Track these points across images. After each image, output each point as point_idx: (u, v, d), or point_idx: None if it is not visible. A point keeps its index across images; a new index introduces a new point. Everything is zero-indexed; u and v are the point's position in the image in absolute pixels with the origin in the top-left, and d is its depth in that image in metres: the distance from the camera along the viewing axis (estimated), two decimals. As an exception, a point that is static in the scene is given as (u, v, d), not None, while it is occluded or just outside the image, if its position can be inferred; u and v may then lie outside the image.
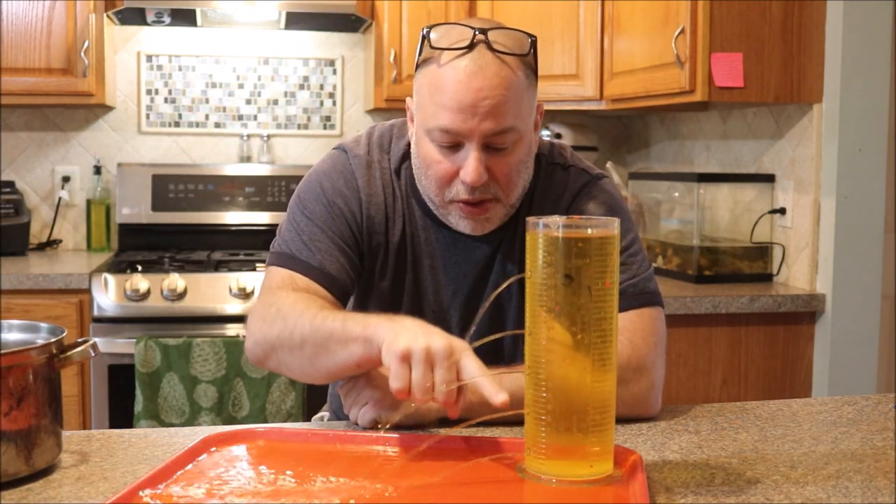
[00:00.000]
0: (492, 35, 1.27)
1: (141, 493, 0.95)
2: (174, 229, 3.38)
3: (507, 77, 1.27)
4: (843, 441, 1.19)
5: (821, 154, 2.58)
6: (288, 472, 1.04)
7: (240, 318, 2.81)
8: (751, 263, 2.80)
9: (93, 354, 1.07)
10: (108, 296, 2.75)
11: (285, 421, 2.70)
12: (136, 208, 3.34)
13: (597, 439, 1.01)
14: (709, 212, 2.88)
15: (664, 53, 2.62)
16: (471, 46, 1.26)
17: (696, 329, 2.55)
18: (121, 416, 2.73)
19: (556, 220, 1.01)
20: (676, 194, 2.99)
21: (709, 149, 3.13)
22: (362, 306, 1.44)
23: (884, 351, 2.64)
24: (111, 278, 2.78)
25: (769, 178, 2.78)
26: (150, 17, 3.25)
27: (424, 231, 1.42)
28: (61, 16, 3.01)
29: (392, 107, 3.17)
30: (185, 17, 3.28)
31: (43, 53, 3.02)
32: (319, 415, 1.65)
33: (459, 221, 1.35)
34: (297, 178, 3.39)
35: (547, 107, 3.15)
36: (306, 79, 3.55)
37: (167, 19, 3.29)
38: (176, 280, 2.78)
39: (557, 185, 1.42)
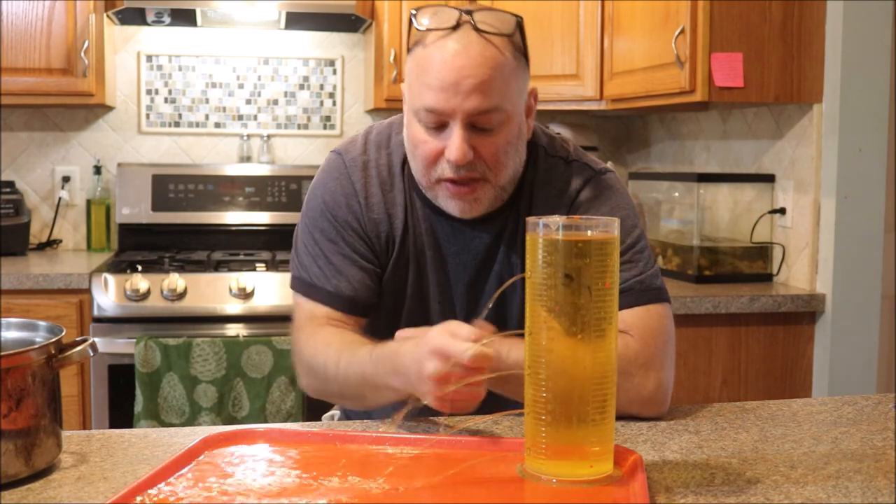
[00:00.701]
0: (477, 16, 1.28)
1: (141, 493, 0.95)
2: (174, 229, 3.38)
3: (493, 56, 1.27)
4: (843, 441, 1.19)
5: (821, 154, 2.58)
6: (288, 473, 1.04)
7: (240, 319, 2.81)
8: (751, 263, 2.80)
9: (92, 354, 1.07)
10: (108, 296, 2.75)
11: (285, 421, 2.70)
12: (136, 208, 3.34)
13: (597, 439, 1.01)
14: (709, 212, 2.87)
15: (664, 53, 2.61)
16: (456, 27, 1.27)
17: (696, 329, 2.55)
18: (121, 417, 2.73)
19: (556, 221, 1.01)
20: (676, 194, 2.99)
21: (709, 149, 3.13)
22: None
23: (884, 351, 2.63)
24: (111, 278, 2.78)
25: (769, 178, 2.78)
26: (150, 17, 3.25)
27: (425, 221, 1.42)
28: (61, 16, 3.01)
29: (392, 107, 3.16)
30: (185, 17, 3.28)
31: (43, 53, 3.02)
32: (330, 413, 1.65)
33: (448, 202, 1.35)
34: (297, 178, 3.39)
35: (547, 107, 3.20)
36: (306, 79, 3.55)
37: (167, 19, 3.29)
38: (176, 280, 2.78)
39: (560, 179, 1.42)
